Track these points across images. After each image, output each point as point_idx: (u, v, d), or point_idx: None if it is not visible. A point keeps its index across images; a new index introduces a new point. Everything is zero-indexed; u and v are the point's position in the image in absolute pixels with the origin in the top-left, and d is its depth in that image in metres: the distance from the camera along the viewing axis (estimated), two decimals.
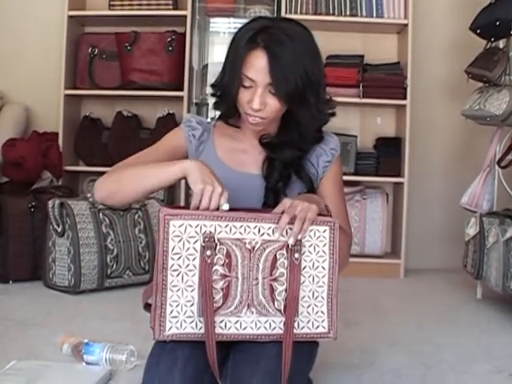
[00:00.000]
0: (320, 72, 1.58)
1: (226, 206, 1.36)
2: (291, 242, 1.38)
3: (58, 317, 2.67)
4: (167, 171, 1.44)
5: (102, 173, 1.60)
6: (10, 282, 3.21)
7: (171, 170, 1.44)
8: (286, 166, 1.62)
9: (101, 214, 3.19)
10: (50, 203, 3.12)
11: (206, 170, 1.40)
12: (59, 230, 3.11)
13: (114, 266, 3.18)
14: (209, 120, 1.75)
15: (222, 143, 1.68)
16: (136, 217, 3.32)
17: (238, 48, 1.53)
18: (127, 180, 1.52)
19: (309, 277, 1.42)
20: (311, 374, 1.65)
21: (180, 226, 1.35)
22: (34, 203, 3.32)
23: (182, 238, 1.36)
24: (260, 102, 1.52)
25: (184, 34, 3.80)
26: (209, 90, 1.78)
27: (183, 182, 1.67)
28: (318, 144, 1.67)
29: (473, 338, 2.54)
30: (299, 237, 1.39)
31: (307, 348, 1.51)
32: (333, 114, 1.64)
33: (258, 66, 1.50)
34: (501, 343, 2.49)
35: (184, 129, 1.68)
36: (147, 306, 1.47)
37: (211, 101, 1.74)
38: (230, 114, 1.66)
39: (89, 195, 3.20)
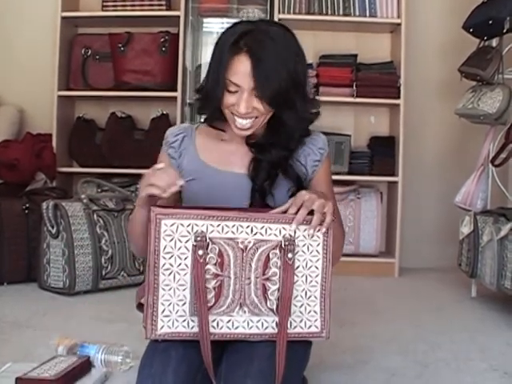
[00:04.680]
0: (303, 72, 1.60)
1: (180, 181, 1.38)
2: (304, 231, 1.41)
3: (52, 318, 2.66)
4: (138, 209, 1.48)
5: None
6: (5, 283, 3.21)
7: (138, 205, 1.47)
8: (273, 166, 1.62)
9: (95, 215, 3.18)
10: (44, 205, 3.12)
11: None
12: (53, 231, 3.10)
13: (109, 267, 3.17)
14: (197, 124, 1.75)
15: (207, 145, 1.67)
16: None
17: (222, 53, 1.54)
18: (132, 229, 1.58)
19: (302, 276, 1.42)
20: (306, 373, 1.65)
21: (172, 225, 1.36)
22: (28, 205, 3.32)
23: (173, 237, 1.36)
24: (246, 106, 1.53)
25: (177, 35, 3.80)
26: (194, 96, 1.77)
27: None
28: (306, 144, 1.66)
29: (467, 337, 2.54)
30: (323, 230, 1.41)
31: (300, 347, 1.51)
32: (318, 113, 1.65)
33: (242, 71, 1.51)
34: (495, 341, 2.49)
35: (164, 149, 1.70)
36: (140, 306, 1.47)
37: (196, 105, 1.74)
38: (215, 117, 1.66)
39: (83, 196, 3.19)
